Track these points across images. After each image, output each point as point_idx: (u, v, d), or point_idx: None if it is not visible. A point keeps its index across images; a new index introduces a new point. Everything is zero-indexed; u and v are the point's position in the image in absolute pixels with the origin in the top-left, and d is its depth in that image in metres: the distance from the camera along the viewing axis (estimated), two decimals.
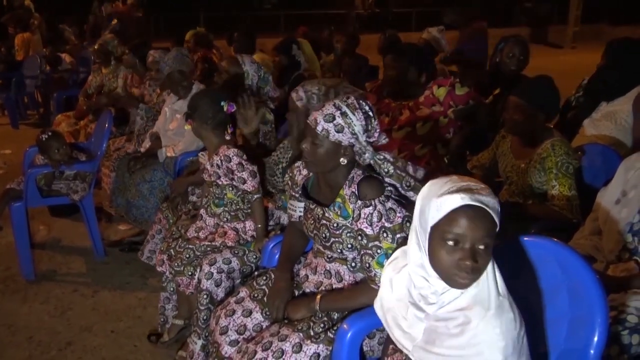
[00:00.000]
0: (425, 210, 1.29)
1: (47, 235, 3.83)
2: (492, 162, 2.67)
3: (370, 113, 1.71)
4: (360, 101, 1.72)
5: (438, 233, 1.26)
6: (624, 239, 1.90)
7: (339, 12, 17.20)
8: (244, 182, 2.35)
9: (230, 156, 2.34)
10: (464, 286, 1.27)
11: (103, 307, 2.93)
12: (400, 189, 1.73)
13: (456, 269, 1.25)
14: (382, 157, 1.73)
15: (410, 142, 3.01)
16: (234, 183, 2.40)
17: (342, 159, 1.70)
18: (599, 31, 16.79)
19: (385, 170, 1.72)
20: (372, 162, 1.72)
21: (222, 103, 2.41)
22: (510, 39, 3.62)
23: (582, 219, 2.19)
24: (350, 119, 1.67)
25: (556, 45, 15.96)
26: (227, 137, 2.46)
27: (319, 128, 1.68)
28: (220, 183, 2.41)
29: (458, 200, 1.22)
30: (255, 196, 2.37)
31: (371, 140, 1.72)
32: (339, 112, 1.67)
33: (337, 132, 1.67)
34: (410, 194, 1.71)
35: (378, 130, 1.73)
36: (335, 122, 1.67)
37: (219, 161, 2.37)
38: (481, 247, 1.23)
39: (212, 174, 2.42)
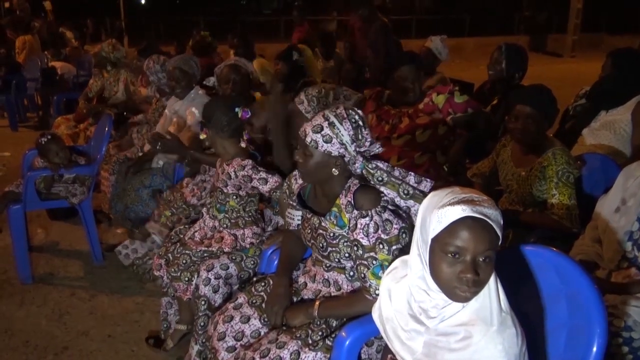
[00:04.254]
0: (426, 222, 1.28)
1: (45, 239, 3.82)
2: (492, 171, 2.67)
3: (361, 122, 1.71)
4: (350, 111, 1.72)
5: (439, 245, 1.25)
6: (623, 247, 1.91)
7: (338, 18, 17.24)
8: (266, 181, 2.31)
9: (244, 165, 2.33)
10: (465, 299, 1.25)
11: (100, 311, 2.92)
12: (398, 198, 1.71)
13: (457, 282, 1.23)
14: (373, 165, 1.72)
15: (409, 149, 3.01)
16: (240, 192, 2.38)
17: (333, 170, 1.70)
18: (598, 40, 16.91)
19: (379, 178, 1.70)
20: (363, 172, 1.71)
21: (237, 109, 2.36)
22: (497, 47, 3.64)
23: (582, 228, 2.19)
24: (338, 129, 1.67)
25: (555, 54, 16.03)
26: (243, 145, 2.41)
27: (308, 139, 1.69)
28: (225, 191, 2.40)
29: (459, 211, 1.20)
30: (284, 185, 2.28)
31: (362, 149, 1.72)
32: (327, 122, 1.68)
33: (326, 142, 1.67)
34: (410, 202, 1.70)
35: (369, 140, 1.72)
36: (323, 132, 1.67)
37: (232, 172, 2.33)
38: (482, 259, 1.21)
39: (220, 180, 2.41)
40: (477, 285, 1.23)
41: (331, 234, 1.76)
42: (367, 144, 1.72)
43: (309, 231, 1.85)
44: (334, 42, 6.66)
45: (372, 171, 1.70)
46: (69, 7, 15.13)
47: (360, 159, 1.71)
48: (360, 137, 1.70)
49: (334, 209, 1.75)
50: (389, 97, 3.24)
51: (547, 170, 2.30)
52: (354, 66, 6.04)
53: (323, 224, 1.78)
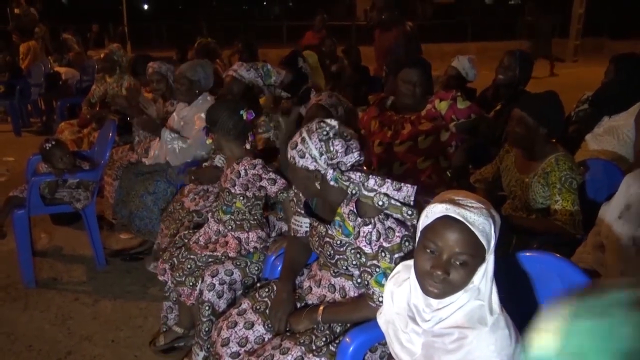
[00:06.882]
0: (421, 217, 1.33)
1: (48, 244, 3.84)
2: (495, 176, 2.67)
3: (331, 134, 1.68)
4: (322, 123, 1.70)
5: (422, 240, 1.30)
6: (627, 254, 1.90)
7: (341, 23, 17.29)
8: (274, 182, 2.34)
9: (255, 164, 2.35)
10: (435, 295, 1.28)
11: (103, 316, 2.93)
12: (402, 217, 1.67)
13: (427, 276, 1.27)
14: (346, 178, 1.69)
15: (412, 155, 3.01)
16: (247, 193, 2.39)
17: (316, 184, 1.71)
18: (600, 45, 16.92)
19: (353, 191, 1.68)
20: (335, 184, 1.69)
21: (241, 112, 2.40)
22: (510, 53, 3.63)
23: (585, 234, 2.19)
24: (307, 143, 1.68)
25: (558, 59, 16.02)
26: (248, 146, 2.44)
27: (289, 156, 1.73)
28: (232, 191, 2.41)
29: (442, 209, 1.24)
30: (291, 192, 2.29)
31: (334, 161, 1.68)
32: (300, 138, 1.70)
33: (300, 157, 1.69)
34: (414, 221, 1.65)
35: (341, 151, 1.68)
36: (297, 148, 1.70)
37: (243, 171, 2.36)
38: (458, 262, 1.24)
39: (227, 180, 2.43)
40: (446, 284, 1.26)
41: (338, 242, 1.76)
42: (340, 155, 1.68)
43: (317, 239, 1.86)
44: (334, 47, 6.71)
45: (345, 183, 1.69)
46: (73, 13, 15.19)
47: (331, 171, 1.68)
48: (331, 149, 1.67)
49: (337, 218, 1.75)
50: (392, 103, 3.24)
51: (550, 176, 2.30)
52: (356, 71, 6.06)
53: (330, 232, 1.78)
